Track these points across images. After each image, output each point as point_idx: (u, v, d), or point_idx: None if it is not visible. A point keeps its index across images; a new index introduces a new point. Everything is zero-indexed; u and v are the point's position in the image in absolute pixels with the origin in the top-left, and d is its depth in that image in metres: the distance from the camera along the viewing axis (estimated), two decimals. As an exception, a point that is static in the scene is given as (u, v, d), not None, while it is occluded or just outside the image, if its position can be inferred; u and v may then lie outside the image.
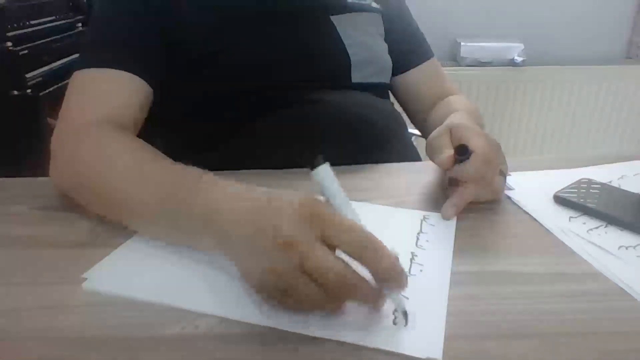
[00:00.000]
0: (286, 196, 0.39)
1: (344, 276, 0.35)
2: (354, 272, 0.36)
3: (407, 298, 0.40)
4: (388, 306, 0.39)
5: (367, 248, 0.36)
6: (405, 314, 0.38)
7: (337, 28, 0.76)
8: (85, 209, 0.54)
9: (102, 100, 0.62)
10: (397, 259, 0.37)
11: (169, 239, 0.48)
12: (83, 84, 0.63)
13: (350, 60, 0.75)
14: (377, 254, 0.36)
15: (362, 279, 0.36)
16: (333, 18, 0.76)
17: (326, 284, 0.35)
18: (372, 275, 0.36)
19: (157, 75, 0.67)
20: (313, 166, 0.39)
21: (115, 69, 0.63)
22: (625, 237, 0.50)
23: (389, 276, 0.36)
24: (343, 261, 0.36)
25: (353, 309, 0.39)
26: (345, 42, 0.75)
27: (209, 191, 0.44)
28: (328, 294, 0.36)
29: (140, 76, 0.64)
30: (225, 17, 0.70)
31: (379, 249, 0.36)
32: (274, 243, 0.36)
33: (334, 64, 0.75)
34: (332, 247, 0.36)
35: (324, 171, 0.39)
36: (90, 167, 0.54)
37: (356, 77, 0.76)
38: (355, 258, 0.36)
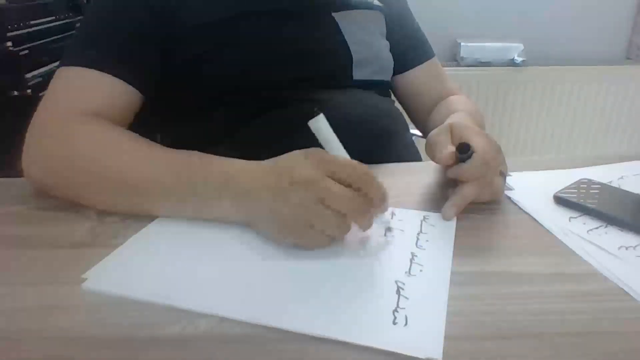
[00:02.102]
0: (291, 153, 0.48)
1: (355, 201, 0.44)
2: (361, 197, 0.45)
3: (407, 298, 0.40)
4: (388, 306, 0.39)
5: (363, 178, 0.45)
6: (389, 229, 0.50)
7: (339, 25, 0.76)
8: (79, 201, 0.54)
9: (86, 98, 0.61)
10: (384, 188, 0.47)
11: (187, 210, 0.51)
12: (67, 81, 0.62)
13: (352, 57, 0.75)
14: (372, 181, 0.46)
15: (365, 201, 0.45)
16: (335, 15, 0.76)
17: (343, 206, 0.44)
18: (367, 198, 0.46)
19: (148, 80, 0.67)
20: (310, 117, 0.47)
21: (102, 71, 0.62)
22: (625, 237, 0.50)
23: (379, 199, 0.46)
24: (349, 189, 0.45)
25: (354, 309, 0.39)
26: (347, 39, 0.75)
27: (221, 162, 0.51)
28: (341, 219, 0.45)
29: (127, 81, 0.63)
30: (227, 15, 0.69)
31: (372, 178, 0.46)
32: (294, 184, 0.44)
33: (335, 61, 0.75)
34: (339, 182, 0.45)
35: (320, 121, 0.47)
36: (91, 152, 0.54)
37: (358, 74, 0.76)
38: (354, 186, 0.45)
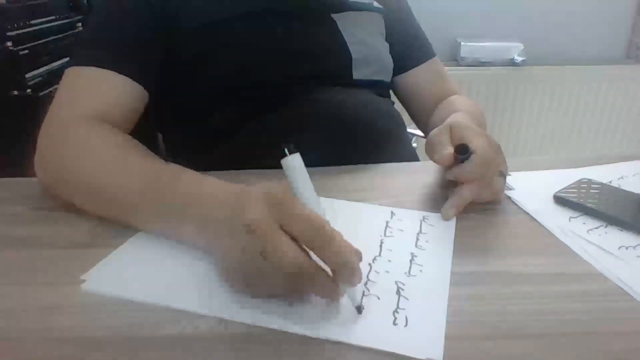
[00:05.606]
0: (260, 185, 0.40)
1: (299, 264, 0.35)
2: (311, 262, 0.36)
3: (408, 299, 0.40)
4: (389, 307, 0.39)
5: (320, 239, 0.36)
6: (358, 308, 0.38)
7: (339, 26, 0.76)
8: (76, 205, 0.54)
9: (92, 98, 0.61)
10: (354, 253, 0.37)
11: (153, 229, 0.49)
12: (74, 81, 0.63)
13: (351, 57, 0.75)
14: (330, 246, 0.36)
15: (320, 269, 0.37)
16: (334, 16, 0.77)
17: (283, 270, 0.35)
18: (327, 266, 0.37)
19: (153, 79, 0.67)
20: (283, 155, 0.38)
21: (110, 70, 0.62)
22: (625, 237, 0.50)
23: (340, 269, 0.36)
24: (302, 250, 0.36)
25: (354, 310, 0.39)
26: (347, 39, 0.76)
27: (190, 182, 0.48)
28: (286, 280, 0.37)
29: (134, 79, 0.64)
30: (227, 15, 0.70)
31: (333, 241, 0.36)
32: (243, 225, 0.37)
33: (335, 61, 0.75)
34: (293, 236, 0.36)
35: (293, 160, 0.38)
36: (75, 161, 0.54)
37: (357, 74, 0.76)
38: (308, 247, 0.36)
